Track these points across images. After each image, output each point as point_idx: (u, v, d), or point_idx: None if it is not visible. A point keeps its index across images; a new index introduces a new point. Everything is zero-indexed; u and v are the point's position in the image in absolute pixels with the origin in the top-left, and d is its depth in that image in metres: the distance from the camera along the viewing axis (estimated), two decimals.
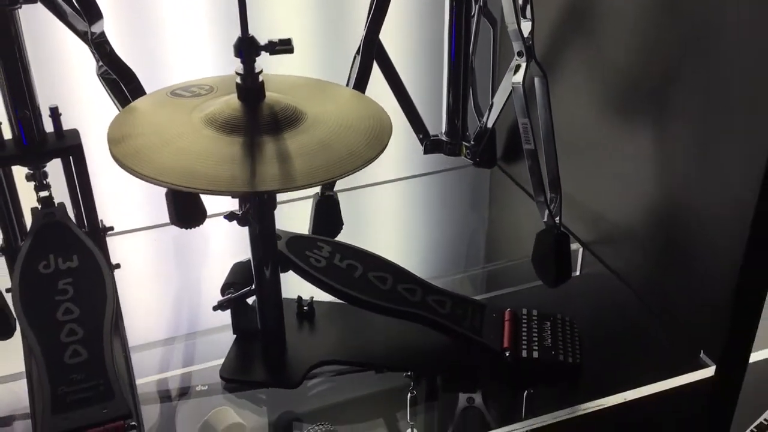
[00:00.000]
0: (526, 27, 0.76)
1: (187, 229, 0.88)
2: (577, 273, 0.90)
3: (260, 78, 0.61)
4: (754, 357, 0.77)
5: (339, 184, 0.89)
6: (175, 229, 0.86)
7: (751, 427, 1.18)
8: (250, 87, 0.61)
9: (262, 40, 0.61)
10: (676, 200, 0.78)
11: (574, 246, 0.91)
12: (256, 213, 0.64)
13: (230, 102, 0.62)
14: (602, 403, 0.70)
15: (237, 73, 0.61)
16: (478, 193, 1.07)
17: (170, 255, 0.95)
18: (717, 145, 0.71)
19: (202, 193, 0.57)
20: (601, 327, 0.81)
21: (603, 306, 0.86)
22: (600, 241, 0.90)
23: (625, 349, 0.78)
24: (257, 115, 0.62)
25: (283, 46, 0.59)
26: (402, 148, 1.02)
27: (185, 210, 0.87)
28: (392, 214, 1.05)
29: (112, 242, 0.78)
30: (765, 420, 1.19)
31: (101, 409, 0.64)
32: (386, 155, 0.73)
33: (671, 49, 0.75)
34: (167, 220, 0.83)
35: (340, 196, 0.92)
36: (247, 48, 0.60)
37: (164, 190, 0.85)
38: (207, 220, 0.88)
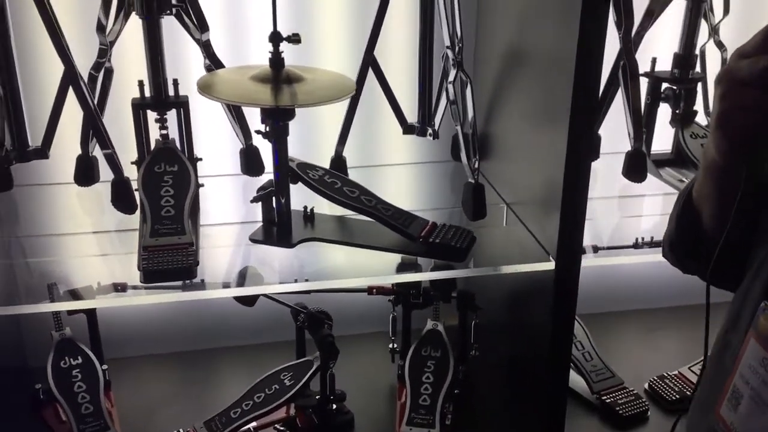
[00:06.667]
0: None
1: (253, 176, 1.37)
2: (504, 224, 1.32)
3: (282, 55, 1.10)
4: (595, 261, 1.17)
5: (355, 162, 1.38)
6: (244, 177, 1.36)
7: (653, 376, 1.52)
8: (277, 59, 1.10)
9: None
10: (554, 176, 1.16)
11: (502, 205, 1.33)
12: (273, 132, 1.12)
13: (265, 68, 1.11)
14: (473, 272, 1.12)
15: (269, 52, 1.10)
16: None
17: (240, 192, 1.43)
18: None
19: (249, 106, 1.06)
20: (499, 246, 1.22)
21: (507, 238, 1.27)
22: (517, 202, 1.32)
23: (505, 253, 1.20)
24: (279, 75, 1.10)
25: (294, 38, 1.08)
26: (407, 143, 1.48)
27: (253, 164, 1.37)
28: (391, 182, 1.52)
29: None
30: (666, 373, 1.52)
31: (177, 238, 1.12)
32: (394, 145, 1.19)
33: (552, 76, 1.17)
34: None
35: (358, 171, 1.39)
36: (275, 37, 1.09)
37: (237, 151, 1.35)
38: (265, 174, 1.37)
